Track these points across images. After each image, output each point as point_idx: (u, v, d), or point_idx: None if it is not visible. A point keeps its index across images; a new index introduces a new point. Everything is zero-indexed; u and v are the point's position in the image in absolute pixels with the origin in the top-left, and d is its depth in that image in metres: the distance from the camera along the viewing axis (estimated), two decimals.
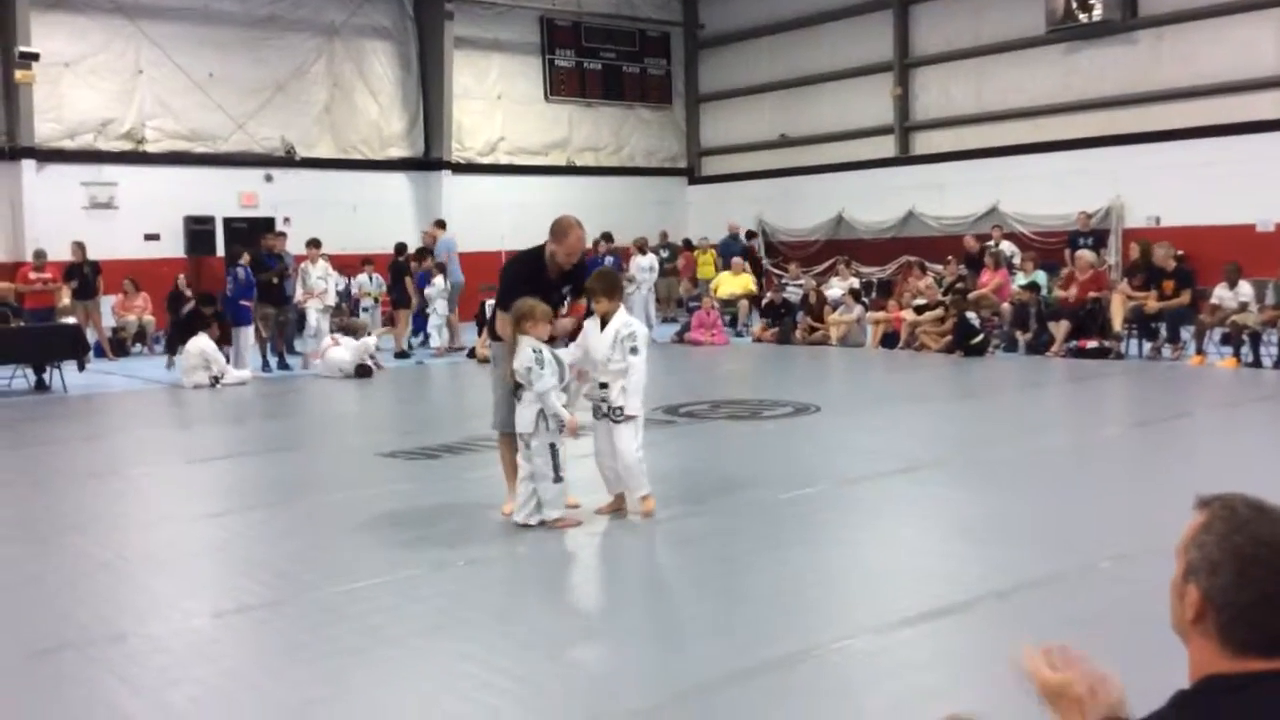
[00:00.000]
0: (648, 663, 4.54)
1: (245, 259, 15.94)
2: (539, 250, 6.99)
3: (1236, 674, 1.63)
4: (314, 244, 17.12)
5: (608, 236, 21.21)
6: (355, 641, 4.73)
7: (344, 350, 15.05)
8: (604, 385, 6.63)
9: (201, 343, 14.32)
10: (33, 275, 17.26)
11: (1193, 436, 9.72)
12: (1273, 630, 1.63)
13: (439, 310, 17.90)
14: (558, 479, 6.42)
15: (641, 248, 21.65)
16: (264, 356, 15.91)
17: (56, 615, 5.24)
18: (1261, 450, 8.80)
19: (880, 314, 17.22)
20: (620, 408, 6.57)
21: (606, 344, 6.57)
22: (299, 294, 16.82)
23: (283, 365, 15.96)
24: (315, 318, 16.68)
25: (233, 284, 15.53)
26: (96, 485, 8.49)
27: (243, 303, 15.48)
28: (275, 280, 16.29)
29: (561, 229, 6.82)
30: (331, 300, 17.01)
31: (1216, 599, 1.64)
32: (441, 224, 20.24)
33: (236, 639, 4.96)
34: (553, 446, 6.39)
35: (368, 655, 4.57)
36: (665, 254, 23.27)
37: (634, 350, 6.60)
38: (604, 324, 6.64)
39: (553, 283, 6.91)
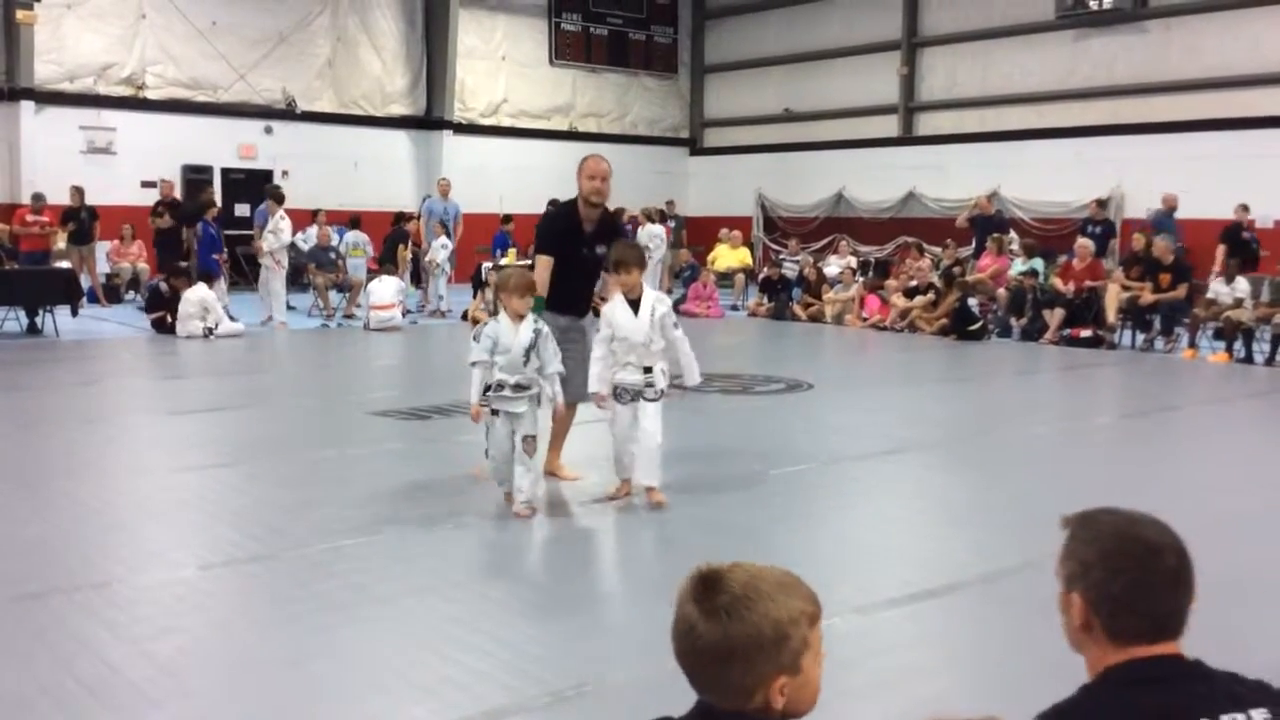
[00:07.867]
0: (635, 634, 4.56)
1: (212, 213, 16.11)
2: (571, 202, 6.89)
3: (1125, 661, 1.75)
4: (276, 196, 16.17)
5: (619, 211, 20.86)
6: (342, 598, 4.75)
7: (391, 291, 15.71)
8: (648, 369, 6.33)
9: (201, 292, 14.28)
10: (30, 218, 17.13)
11: (1180, 429, 9.75)
12: (1148, 612, 1.75)
13: (445, 270, 17.80)
14: (486, 453, 6.28)
15: (650, 216, 21.14)
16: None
17: (43, 560, 5.25)
18: (1248, 446, 8.84)
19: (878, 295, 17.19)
20: (663, 390, 6.38)
21: (645, 327, 6.26)
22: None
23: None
24: (266, 277, 15.68)
25: (200, 239, 15.89)
26: (87, 432, 8.49)
27: (212, 256, 15.85)
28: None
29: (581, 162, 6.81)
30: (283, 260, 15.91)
31: (1094, 596, 1.76)
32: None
33: (223, 591, 4.97)
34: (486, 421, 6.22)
35: (354, 613, 4.59)
36: (673, 223, 22.65)
37: (675, 325, 6.43)
38: (634, 306, 6.30)
39: (586, 237, 6.77)
